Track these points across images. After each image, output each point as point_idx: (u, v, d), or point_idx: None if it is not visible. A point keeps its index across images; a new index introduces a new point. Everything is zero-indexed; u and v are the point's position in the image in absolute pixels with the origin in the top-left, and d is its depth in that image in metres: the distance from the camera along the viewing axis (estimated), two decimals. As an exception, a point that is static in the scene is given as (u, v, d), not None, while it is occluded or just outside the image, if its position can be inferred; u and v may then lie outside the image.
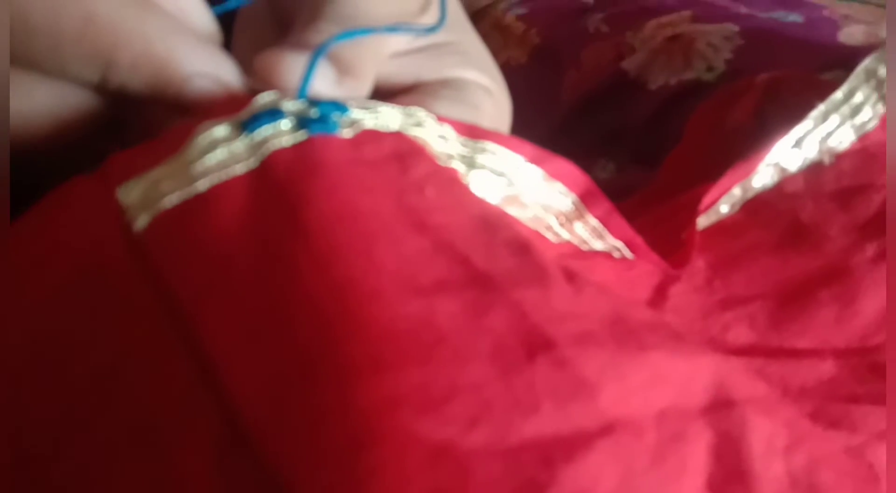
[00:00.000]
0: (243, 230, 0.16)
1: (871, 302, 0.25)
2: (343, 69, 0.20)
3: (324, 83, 0.19)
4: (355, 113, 0.18)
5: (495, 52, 0.41)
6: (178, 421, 0.16)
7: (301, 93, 0.19)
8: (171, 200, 0.17)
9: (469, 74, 0.23)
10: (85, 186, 0.19)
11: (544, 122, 0.35)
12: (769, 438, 0.18)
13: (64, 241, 0.18)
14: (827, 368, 0.24)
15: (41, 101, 0.19)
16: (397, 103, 0.19)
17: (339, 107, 0.18)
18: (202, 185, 0.17)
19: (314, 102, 0.18)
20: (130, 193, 0.17)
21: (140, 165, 0.18)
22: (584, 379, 0.16)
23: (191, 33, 0.20)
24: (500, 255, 0.17)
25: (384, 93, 0.22)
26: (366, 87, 0.21)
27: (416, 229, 0.17)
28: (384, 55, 0.22)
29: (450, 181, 0.19)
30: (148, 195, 0.17)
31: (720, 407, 0.18)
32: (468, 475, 0.14)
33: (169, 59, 0.19)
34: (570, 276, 0.18)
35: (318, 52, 0.19)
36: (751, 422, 0.18)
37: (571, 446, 0.15)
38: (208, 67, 0.19)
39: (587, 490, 0.15)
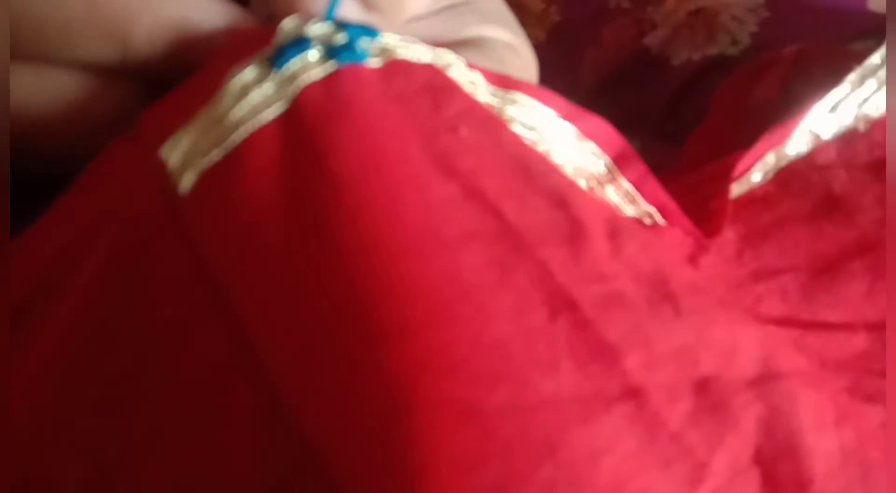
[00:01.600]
0: (275, 185, 0.16)
1: (906, 273, 0.24)
2: (369, 4, 0.19)
3: (349, 13, 0.19)
4: (386, 38, 0.18)
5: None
6: (217, 397, 0.15)
7: (328, 15, 0.18)
8: (212, 157, 0.16)
9: (490, 32, 0.22)
10: (125, 149, 0.18)
11: (566, 99, 0.34)
12: (819, 411, 0.17)
13: (109, 212, 0.17)
14: (860, 341, 0.23)
15: (55, 93, 0.19)
16: None
17: (369, 31, 0.17)
18: (237, 136, 0.16)
19: (341, 26, 0.17)
20: (173, 153, 0.17)
21: (177, 117, 0.17)
22: (606, 342, 0.15)
23: None
24: (535, 206, 0.17)
25: None
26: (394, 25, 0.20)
27: (445, 175, 0.16)
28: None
29: (486, 119, 0.18)
30: (190, 153, 0.17)
31: (769, 379, 0.17)
32: (491, 435, 0.14)
33: (186, 21, 0.18)
34: (613, 231, 0.17)
35: None
36: (801, 395, 0.17)
37: (588, 407, 0.15)
38: (228, 20, 0.19)
39: (600, 451, 0.14)
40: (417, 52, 0.18)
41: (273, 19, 0.18)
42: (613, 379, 0.15)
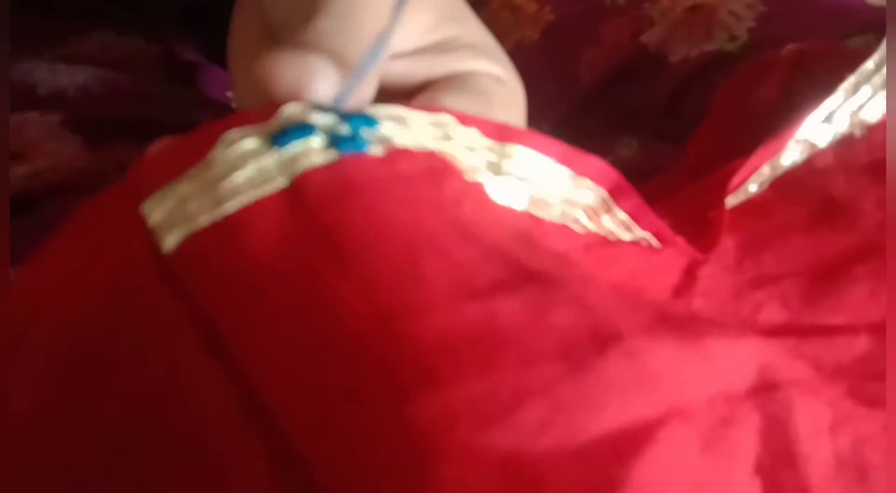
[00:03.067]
0: (278, 255, 0.16)
1: (909, 275, 0.24)
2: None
3: (325, 84, 0.19)
4: (386, 128, 0.18)
5: (507, 32, 0.40)
6: (228, 445, 0.15)
7: (337, 105, 0.18)
8: (200, 222, 0.16)
9: (478, 65, 0.22)
10: (112, 198, 0.18)
11: (563, 100, 0.34)
12: (815, 419, 0.17)
13: (96, 257, 0.18)
14: (861, 344, 0.23)
15: None
16: (410, 105, 0.19)
17: (369, 121, 0.18)
18: (231, 206, 0.16)
19: (344, 116, 0.18)
20: (155, 211, 0.17)
21: (165, 174, 0.17)
22: (651, 369, 0.16)
23: None
24: (545, 259, 0.17)
25: (396, 93, 0.21)
26: (369, 88, 0.20)
27: (462, 239, 0.16)
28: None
29: (481, 196, 0.18)
30: (174, 214, 0.17)
31: (766, 390, 0.17)
32: (541, 479, 0.14)
33: None
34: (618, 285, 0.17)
35: (364, 64, 0.19)
36: (796, 403, 0.17)
37: (637, 438, 0.15)
38: None
39: (661, 482, 0.14)
40: (416, 135, 0.18)
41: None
42: (653, 404, 0.15)
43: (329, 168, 0.16)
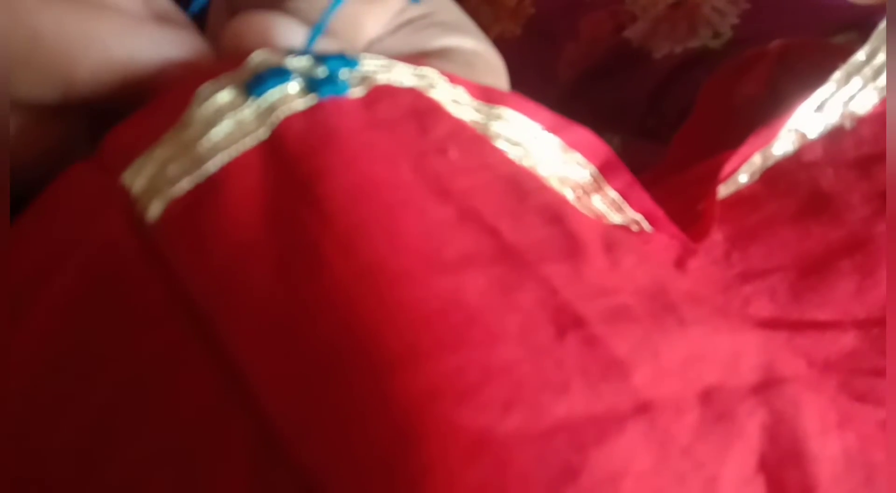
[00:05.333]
0: (259, 215, 0.15)
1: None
2: (328, 32, 0.19)
3: (292, 35, 0.18)
4: (366, 66, 0.17)
5: (486, 26, 0.40)
6: (209, 434, 0.15)
7: (308, 47, 0.17)
8: (183, 186, 0.15)
9: (454, 41, 0.22)
10: (86, 174, 0.17)
11: (543, 95, 0.34)
12: (822, 416, 0.17)
13: (72, 241, 0.17)
14: (848, 340, 0.23)
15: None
16: (393, 57, 0.18)
17: (348, 61, 0.17)
18: (212, 165, 0.15)
19: (321, 58, 0.17)
20: (137, 179, 0.16)
21: (141, 141, 0.16)
22: (616, 358, 0.15)
23: (149, 23, 0.18)
24: (531, 223, 0.16)
25: None
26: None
27: (439, 197, 0.15)
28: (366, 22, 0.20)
29: (474, 139, 0.17)
30: (156, 181, 0.16)
31: (771, 385, 0.17)
32: (507, 459, 0.13)
33: (133, 58, 0.17)
34: (609, 245, 0.17)
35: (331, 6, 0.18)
36: (803, 400, 0.17)
37: (603, 427, 0.14)
38: (181, 53, 0.18)
39: (619, 473, 0.14)
40: (399, 75, 0.17)
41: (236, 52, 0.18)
42: (625, 395, 0.15)
43: (308, 115, 0.16)
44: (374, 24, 0.21)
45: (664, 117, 0.31)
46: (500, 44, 0.36)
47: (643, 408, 0.15)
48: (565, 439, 0.14)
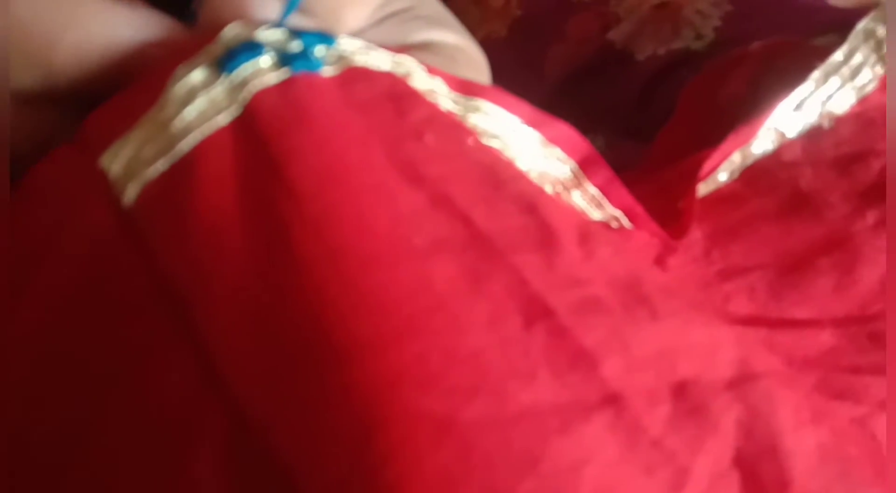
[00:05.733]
0: (231, 197, 0.15)
1: (872, 270, 0.24)
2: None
3: (268, 9, 0.18)
4: (343, 45, 0.17)
5: (473, 27, 0.40)
6: (185, 420, 0.15)
7: (282, 21, 0.17)
8: (158, 167, 0.16)
9: (436, 35, 0.22)
10: (67, 158, 0.17)
11: (529, 96, 0.34)
12: (796, 411, 0.17)
13: (56, 227, 0.17)
14: (826, 338, 0.23)
15: None
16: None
17: (324, 38, 0.17)
18: (185, 145, 0.16)
19: (296, 34, 0.17)
20: (114, 162, 0.16)
21: (119, 124, 0.16)
22: (584, 349, 0.15)
23: (124, 5, 0.18)
24: (505, 212, 0.16)
25: None
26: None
27: (411, 183, 0.16)
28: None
29: (451, 126, 0.17)
30: (132, 163, 0.16)
31: (746, 380, 0.17)
32: (470, 449, 0.13)
33: (112, 38, 0.18)
34: (584, 236, 0.17)
35: None
36: (777, 395, 0.17)
37: (568, 416, 0.14)
38: (160, 33, 0.18)
39: (582, 461, 0.14)
40: (376, 60, 0.17)
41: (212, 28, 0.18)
42: (592, 386, 0.15)
43: (280, 89, 0.16)
44: (355, 14, 0.21)
45: (649, 118, 0.31)
46: (487, 45, 0.36)
47: (611, 399, 0.15)
48: (529, 427, 0.14)
